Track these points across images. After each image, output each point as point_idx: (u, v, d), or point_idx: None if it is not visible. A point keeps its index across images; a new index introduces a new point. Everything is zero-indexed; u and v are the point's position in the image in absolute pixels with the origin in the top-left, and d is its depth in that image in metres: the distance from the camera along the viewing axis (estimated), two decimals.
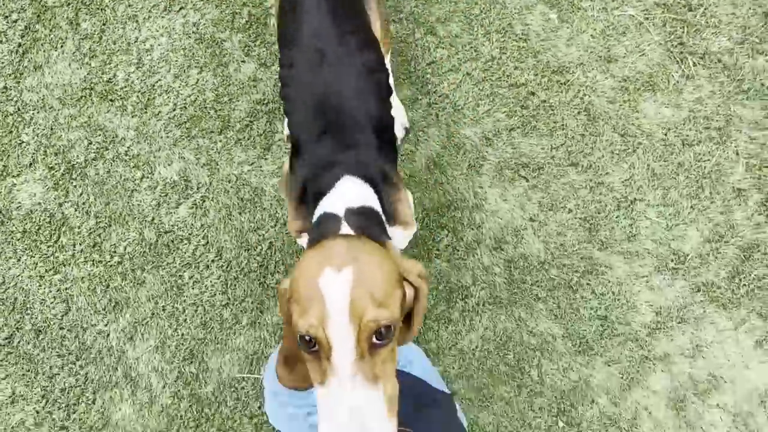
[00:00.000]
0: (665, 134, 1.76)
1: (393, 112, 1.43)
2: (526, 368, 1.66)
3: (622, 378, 1.64)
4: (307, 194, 1.24)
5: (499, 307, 1.69)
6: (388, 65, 1.57)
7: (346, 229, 1.12)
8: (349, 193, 1.18)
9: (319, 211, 1.19)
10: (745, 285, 1.68)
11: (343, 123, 1.22)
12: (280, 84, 1.32)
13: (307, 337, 0.87)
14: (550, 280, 1.71)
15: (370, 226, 1.15)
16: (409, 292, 0.97)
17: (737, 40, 1.82)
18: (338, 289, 0.86)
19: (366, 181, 1.21)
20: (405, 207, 1.31)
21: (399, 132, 1.76)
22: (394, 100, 1.70)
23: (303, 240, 1.32)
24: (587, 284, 1.70)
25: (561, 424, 1.62)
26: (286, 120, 1.43)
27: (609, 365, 1.65)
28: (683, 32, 1.82)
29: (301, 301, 0.89)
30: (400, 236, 1.35)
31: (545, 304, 1.70)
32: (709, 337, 1.66)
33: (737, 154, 1.75)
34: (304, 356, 0.91)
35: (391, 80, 1.63)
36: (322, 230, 1.15)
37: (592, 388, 1.64)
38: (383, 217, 1.22)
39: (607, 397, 1.63)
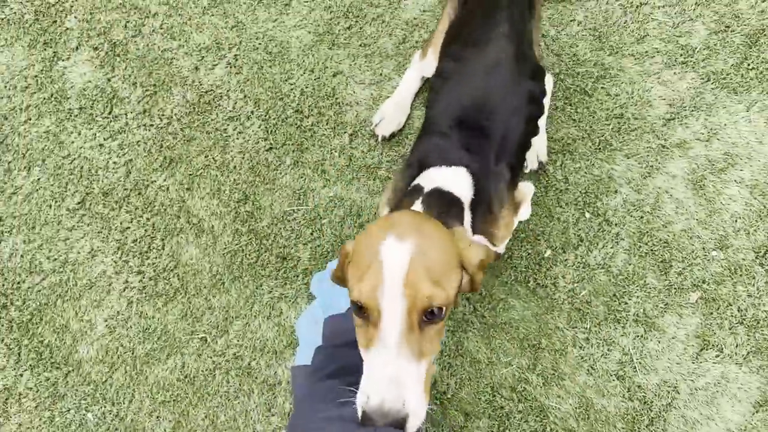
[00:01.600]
0: None
1: (535, 140, 1.48)
2: (551, 170, 1.80)
3: (641, 167, 1.77)
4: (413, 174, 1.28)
5: None
6: (548, 98, 1.62)
7: (418, 206, 1.15)
8: (447, 178, 1.20)
9: (413, 183, 1.24)
10: (753, 68, 1.78)
11: (480, 128, 1.27)
12: (437, 72, 1.40)
13: (359, 303, 0.91)
14: (566, 89, 1.83)
15: (446, 210, 1.15)
16: (466, 279, 0.99)
17: None
18: (398, 257, 0.88)
19: (473, 180, 1.23)
20: (496, 229, 1.32)
21: (532, 162, 1.77)
22: (542, 132, 1.74)
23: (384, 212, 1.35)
24: (601, 88, 1.82)
25: (587, 215, 1.77)
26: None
27: (629, 158, 1.78)
28: None
29: (359, 264, 0.92)
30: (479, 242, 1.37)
31: (563, 112, 1.83)
32: (723, 120, 1.77)
33: None
34: (354, 319, 0.95)
35: (543, 118, 1.66)
36: (402, 201, 1.20)
37: (615, 180, 1.78)
38: (467, 217, 1.22)
39: (629, 186, 1.77)
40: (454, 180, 1.20)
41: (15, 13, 2.01)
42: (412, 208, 1.15)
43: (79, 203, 1.93)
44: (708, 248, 1.71)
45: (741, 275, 1.69)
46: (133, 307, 1.87)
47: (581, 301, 1.73)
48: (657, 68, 1.81)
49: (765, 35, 1.78)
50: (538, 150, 1.76)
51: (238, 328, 1.83)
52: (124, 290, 1.88)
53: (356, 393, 0.95)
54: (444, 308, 0.91)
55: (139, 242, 1.90)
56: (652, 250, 1.73)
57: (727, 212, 1.72)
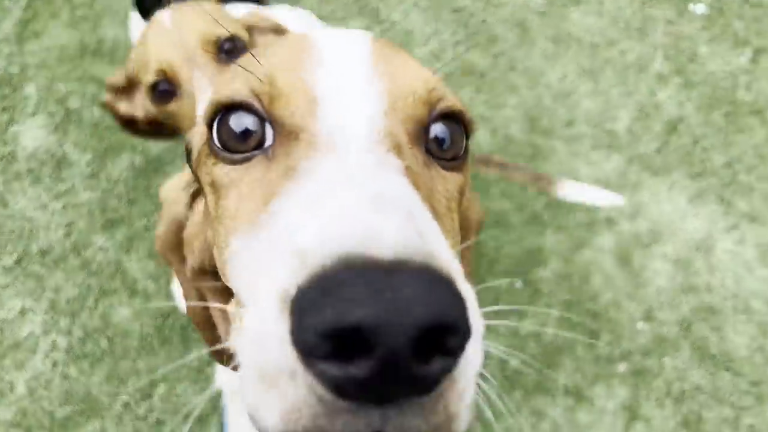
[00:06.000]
0: (591, 37, 2.11)
1: None
2: (483, 239, 1.93)
3: (571, 242, 1.91)
4: None
5: None
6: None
7: None
8: None
9: None
10: (673, 152, 1.98)
11: None
12: None
13: (248, 100, 0.50)
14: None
15: None
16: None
17: None
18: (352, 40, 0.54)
19: None
20: None
21: None
22: None
23: None
24: (533, 166, 2.00)
25: (519, 284, 1.88)
26: None
27: (558, 232, 1.93)
28: None
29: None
30: None
31: (497, 187, 1.99)
32: (646, 199, 1.94)
33: (655, 48, 2.09)
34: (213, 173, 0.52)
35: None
36: None
37: (545, 253, 1.91)
38: None
39: (559, 258, 1.90)
40: None
41: None
42: None
43: (16, 262, 2.01)
44: (635, 320, 1.82)
45: (666, 348, 1.78)
46: (58, 369, 1.90)
47: (511, 370, 1.80)
48: (584, 150, 2.00)
49: (683, 123, 2.00)
50: None
51: (163, 391, 1.85)
52: (51, 351, 1.91)
53: None
54: (465, 125, 0.56)
55: (72, 302, 1.96)
56: (581, 321, 1.83)
57: (653, 286, 1.85)
